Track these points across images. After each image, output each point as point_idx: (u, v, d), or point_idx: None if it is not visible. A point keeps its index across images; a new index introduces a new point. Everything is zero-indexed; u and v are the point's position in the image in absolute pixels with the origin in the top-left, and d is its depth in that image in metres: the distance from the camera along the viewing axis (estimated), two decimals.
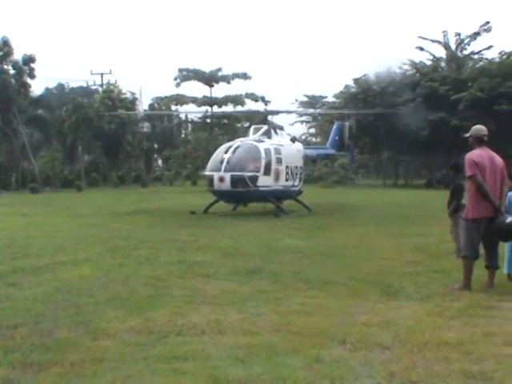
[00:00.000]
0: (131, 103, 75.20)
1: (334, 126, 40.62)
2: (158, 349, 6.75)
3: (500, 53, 65.62)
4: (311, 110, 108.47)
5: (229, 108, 77.42)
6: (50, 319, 8.09)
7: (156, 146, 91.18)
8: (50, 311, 8.53)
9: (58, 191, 57.13)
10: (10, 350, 6.72)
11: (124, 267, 12.42)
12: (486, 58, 68.41)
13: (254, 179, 26.79)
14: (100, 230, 20.44)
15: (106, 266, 12.50)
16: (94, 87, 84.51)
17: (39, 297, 9.47)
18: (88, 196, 48.21)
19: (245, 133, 39.16)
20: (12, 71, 61.45)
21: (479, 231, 10.01)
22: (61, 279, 11.05)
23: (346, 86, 76.23)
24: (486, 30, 68.30)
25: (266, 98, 77.87)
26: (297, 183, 30.58)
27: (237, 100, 76.88)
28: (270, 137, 29.73)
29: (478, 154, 10.09)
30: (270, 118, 32.58)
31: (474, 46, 70.35)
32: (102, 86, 79.26)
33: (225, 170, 26.71)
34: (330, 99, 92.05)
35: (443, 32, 71.13)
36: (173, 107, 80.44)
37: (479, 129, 10.42)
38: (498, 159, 10.24)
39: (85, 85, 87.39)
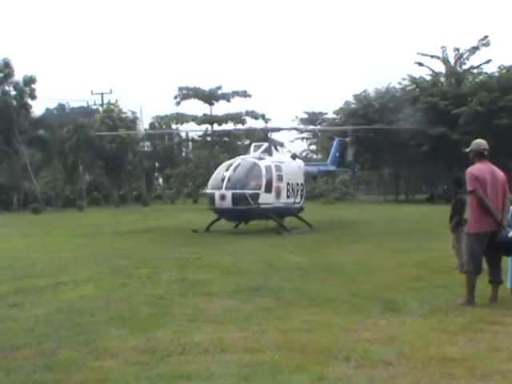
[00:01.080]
0: (132, 122, 75.39)
1: (335, 143, 40.69)
2: (161, 368, 6.72)
3: (499, 67, 65.77)
4: (311, 127, 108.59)
5: (229, 126, 77.66)
6: (53, 339, 8.06)
7: (157, 164, 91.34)
8: (53, 331, 8.50)
9: (59, 211, 57.15)
10: (13, 371, 6.69)
11: (126, 286, 12.40)
12: (486, 73, 68.55)
13: (256, 197, 26.79)
14: (101, 249, 20.44)
15: (107, 286, 12.49)
16: (94, 107, 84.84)
17: (41, 317, 9.44)
18: (89, 215, 48.23)
19: (245, 150, 39.19)
20: (13, 92, 61.71)
21: (481, 246, 9.99)
22: (63, 299, 11.03)
23: (346, 102, 76.25)
24: (484, 45, 68.54)
25: (266, 116, 78.09)
26: (298, 200, 30.57)
27: (237, 118, 77.06)
28: (270, 154, 29.76)
29: (478, 168, 10.09)
30: (270, 135, 32.59)
31: (473, 61, 70.57)
32: (102, 105, 79.46)
33: (226, 188, 26.72)
34: (330, 115, 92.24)
35: (442, 47, 71.37)
36: (173, 126, 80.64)
37: (479, 143, 10.39)
38: (500, 173, 10.23)
39: (85, 105, 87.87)
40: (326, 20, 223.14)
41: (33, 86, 62.33)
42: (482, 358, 6.92)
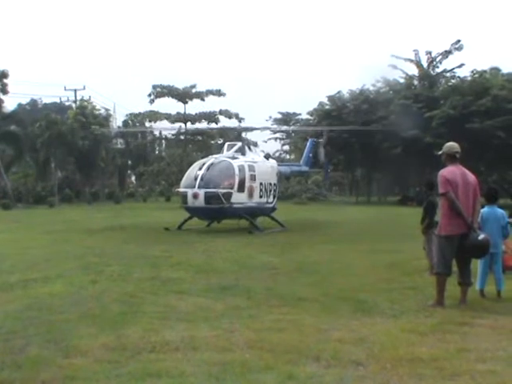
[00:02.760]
0: (105, 119, 74.90)
1: (308, 143, 40.79)
2: (132, 366, 6.70)
3: (472, 71, 66.33)
4: (285, 127, 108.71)
5: (203, 125, 77.36)
6: (21, 336, 8.00)
7: (130, 162, 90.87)
8: (21, 328, 8.43)
9: (30, 207, 56.56)
10: None
11: (97, 284, 12.34)
12: (458, 77, 69.13)
13: (228, 196, 26.78)
14: (72, 246, 20.29)
15: (78, 283, 12.42)
16: (67, 103, 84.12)
17: (10, 314, 9.37)
18: (61, 212, 47.81)
19: (219, 149, 39.17)
20: None
21: (452, 248, 10.08)
22: (32, 296, 10.94)
23: (320, 103, 76.37)
24: (457, 49, 69.07)
25: (240, 115, 77.98)
26: (271, 200, 30.57)
27: (211, 117, 76.82)
28: (243, 153, 29.78)
29: (450, 170, 10.18)
30: (243, 134, 32.59)
31: (446, 64, 71.08)
32: (75, 102, 78.87)
33: (199, 187, 26.68)
34: (304, 116, 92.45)
35: (414, 51, 71.82)
36: (147, 124, 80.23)
37: (451, 146, 10.49)
38: (471, 176, 10.33)
39: (58, 101, 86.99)
40: (301, 21, 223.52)
41: (5, 80, 61.66)
42: (450, 358, 7.00)
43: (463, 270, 10.35)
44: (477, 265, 10.98)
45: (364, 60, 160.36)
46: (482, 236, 10.00)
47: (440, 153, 10.61)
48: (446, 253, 10.17)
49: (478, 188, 10.39)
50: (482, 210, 11.11)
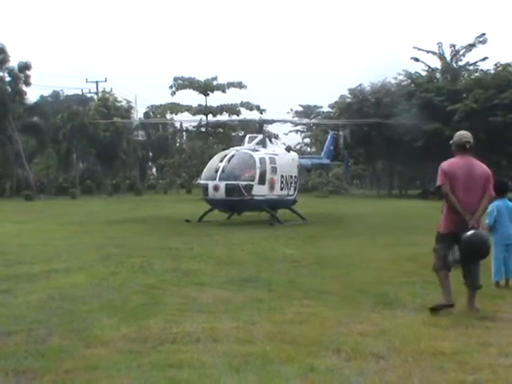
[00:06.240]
0: (126, 111, 75.35)
1: (329, 136, 40.67)
2: (153, 357, 6.73)
3: (495, 64, 65.73)
4: (306, 120, 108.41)
5: (224, 117, 77.36)
6: (44, 326, 8.05)
7: (151, 154, 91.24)
8: (44, 318, 8.49)
9: (52, 199, 57.00)
10: (4, 357, 6.70)
11: (118, 275, 12.38)
12: (481, 70, 68.54)
13: (249, 188, 26.78)
14: (94, 237, 20.40)
15: (99, 274, 12.47)
16: (89, 95, 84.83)
17: (33, 304, 9.43)
18: (82, 204, 48.12)
19: (240, 142, 39.16)
20: (8, 78, 61.50)
21: (446, 245, 9.45)
22: (55, 286, 11.00)
23: (341, 96, 76.04)
24: (481, 42, 68.48)
25: (261, 107, 77.83)
26: (291, 192, 30.55)
27: (232, 109, 76.74)
28: (265, 146, 29.74)
29: (452, 162, 9.28)
30: (265, 126, 32.55)
31: (470, 58, 70.52)
32: (97, 93, 79.48)
33: (220, 179, 26.70)
34: (325, 109, 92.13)
35: (438, 43, 71.32)
36: (168, 116, 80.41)
37: (461, 134, 9.47)
38: (480, 169, 9.25)
39: (80, 93, 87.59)
40: (323, 13, 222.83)
41: (27, 72, 62.16)
42: (472, 352, 6.96)
43: (466, 269, 9.35)
44: (491, 256, 10.88)
45: (386, 52, 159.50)
46: (469, 233, 8.87)
47: (451, 142, 9.53)
48: (441, 248, 9.56)
49: (490, 182, 9.26)
50: (495, 204, 11.05)
